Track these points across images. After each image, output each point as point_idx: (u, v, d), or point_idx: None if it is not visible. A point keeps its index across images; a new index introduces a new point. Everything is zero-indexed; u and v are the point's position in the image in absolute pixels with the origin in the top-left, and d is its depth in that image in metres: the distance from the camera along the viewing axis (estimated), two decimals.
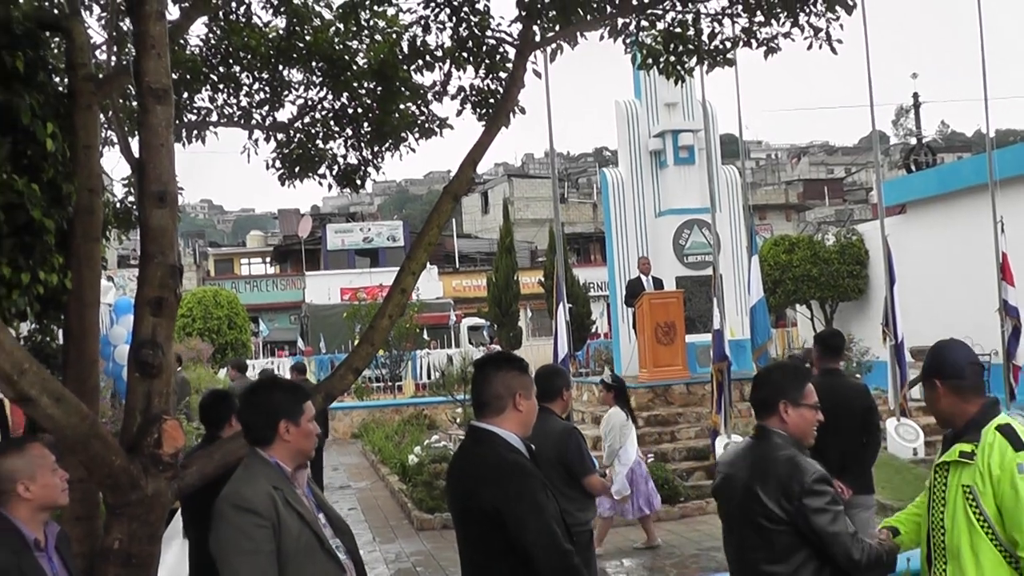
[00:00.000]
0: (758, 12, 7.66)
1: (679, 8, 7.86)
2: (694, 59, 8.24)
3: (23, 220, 5.35)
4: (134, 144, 9.13)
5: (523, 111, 7.30)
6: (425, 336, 32.19)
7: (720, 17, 7.89)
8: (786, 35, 7.83)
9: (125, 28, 8.80)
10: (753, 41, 7.90)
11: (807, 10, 7.54)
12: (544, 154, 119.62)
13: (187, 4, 8.09)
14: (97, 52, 7.66)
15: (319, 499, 4.04)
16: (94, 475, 4.67)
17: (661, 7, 7.79)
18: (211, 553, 3.74)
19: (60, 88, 6.42)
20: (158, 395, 4.86)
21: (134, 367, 4.90)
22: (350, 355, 6.05)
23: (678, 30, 8.00)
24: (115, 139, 8.22)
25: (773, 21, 7.70)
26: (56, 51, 7.40)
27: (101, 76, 6.72)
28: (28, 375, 4.19)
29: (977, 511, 3.97)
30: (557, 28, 7.66)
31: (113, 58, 8.16)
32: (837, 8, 7.42)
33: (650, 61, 8.31)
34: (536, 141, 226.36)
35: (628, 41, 8.22)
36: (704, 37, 8.03)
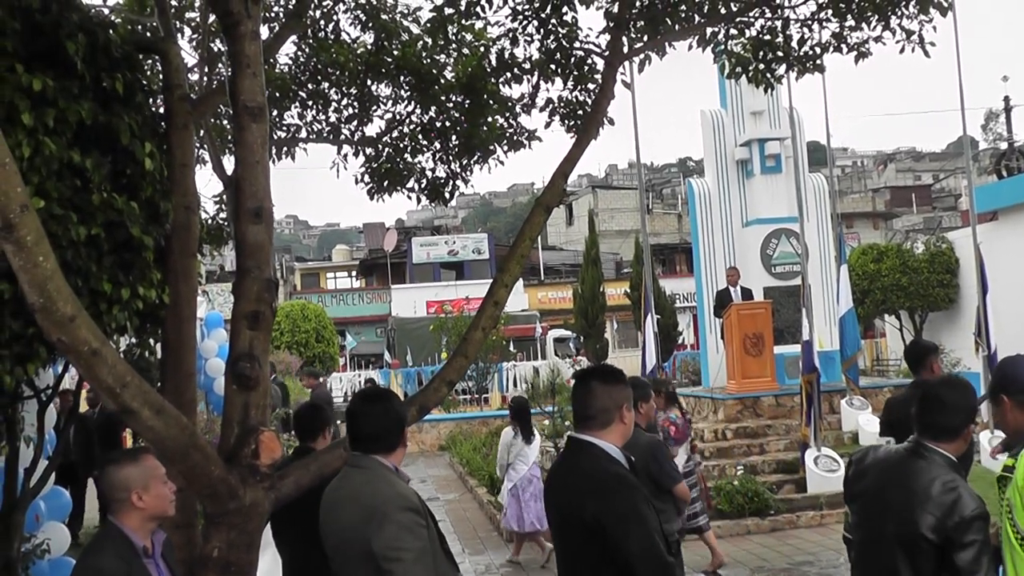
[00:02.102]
0: (849, 16, 7.55)
1: (768, 15, 7.78)
2: (783, 66, 8.15)
3: (123, 237, 5.49)
4: (226, 162, 9.35)
5: (611, 122, 7.28)
6: (511, 348, 32.23)
7: (810, 23, 7.79)
8: (877, 39, 7.70)
9: (215, 49, 8.99)
10: (844, 46, 7.79)
11: (899, 13, 7.41)
12: (628, 165, 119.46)
13: (279, 24, 8.23)
14: (188, 73, 7.83)
15: None
16: (193, 485, 4.75)
17: (750, 15, 7.72)
18: (376, 555, 3.73)
19: (155, 108, 6.58)
20: (255, 407, 4.94)
21: (232, 379, 4.98)
22: (443, 368, 6.08)
23: (767, 37, 7.93)
24: (207, 157, 8.39)
25: (864, 25, 7.59)
26: (150, 72, 7.58)
27: (195, 96, 6.86)
28: (130, 388, 4.28)
29: (1013, 526, 3.91)
30: (645, 39, 7.63)
31: (204, 78, 8.34)
32: (931, 10, 7.27)
33: (739, 70, 8.23)
34: (619, 152, 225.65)
35: (717, 50, 8.16)
36: (793, 44, 7.94)
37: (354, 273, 62.30)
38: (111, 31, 5.91)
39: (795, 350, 17.02)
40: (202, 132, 7.95)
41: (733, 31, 8.04)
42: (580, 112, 8.27)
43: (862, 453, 4.59)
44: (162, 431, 4.39)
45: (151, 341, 6.41)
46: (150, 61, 7.87)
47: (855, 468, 4.55)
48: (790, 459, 14.91)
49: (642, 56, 7.95)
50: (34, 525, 7.76)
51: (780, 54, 8.03)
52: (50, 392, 7.09)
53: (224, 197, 10.60)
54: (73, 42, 5.38)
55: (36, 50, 5.29)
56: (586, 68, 8.17)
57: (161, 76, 7.02)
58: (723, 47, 8.22)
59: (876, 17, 7.50)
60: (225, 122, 9.95)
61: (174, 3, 8.41)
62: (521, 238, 6.21)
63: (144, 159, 5.65)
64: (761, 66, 8.14)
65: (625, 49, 7.45)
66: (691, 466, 10.67)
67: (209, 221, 9.52)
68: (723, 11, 7.58)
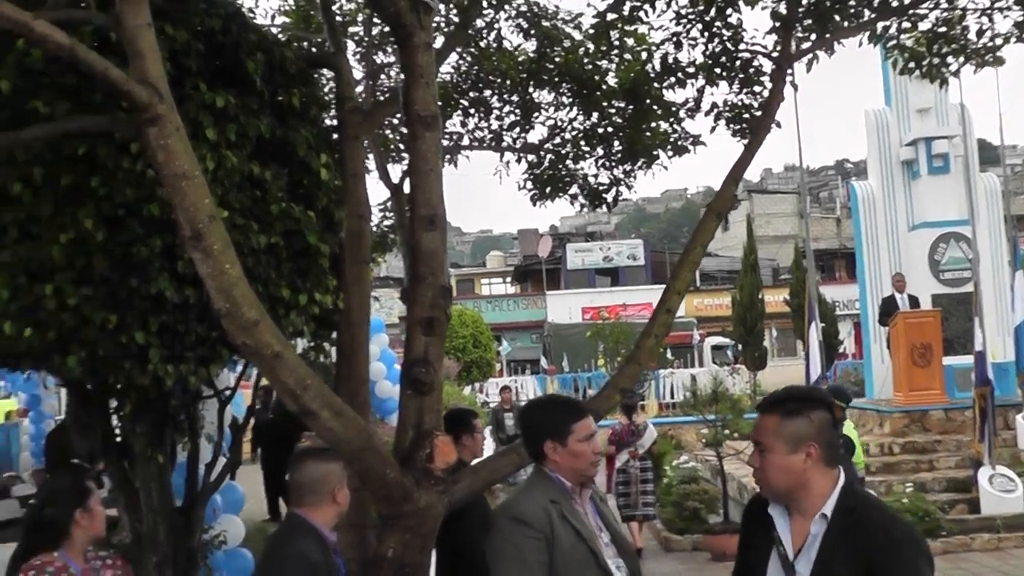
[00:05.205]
0: None
1: (943, 6, 7.48)
2: (959, 60, 7.84)
3: (300, 245, 5.69)
4: (391, 170, 9.55)
5: (779, 125, 7.12)
6: (669, 355, 31.97)
7: (989, 12, 7.46)
8: None
9: (379, 61, 9.21)
10: None
11: None
12: (784, 168, 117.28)
13: (444, 35, 8.38)
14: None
15: (605, 518, 4.04)
16: (368, 486, 4.86)
17: (924, 6, 7.45)
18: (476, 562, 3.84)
19: (326, 121, 6.79)
20: (430, 411, 5.02)
21: (407, 384, 5.07)
22: (616, 375, 6.07)
23: (942, 29, 7.64)
24: (371, 166, 8.59)
25: None
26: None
27: (365, 108, 7.04)
28: (311, 390, 4.41)
29: None
30: (813, 37, 7.46)
31: (368, 91, 8.55)
32: None
33: (911, 65, 7.96)
34: (774, 156, 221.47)
35: (889, 45, 7.89)
36: (971, 35, 7.63)
37: (508, 279, 62.78)
38: (286, 49, 6.13)
39: (966, 361, 16.38)
40: (366, 142, 8.16)
41: (906, 24, 7.74)
42: (746, 116, 8.14)
43: None
44: (340, 433, 4.51)
45: (325, 345, 6.61)
46: (318, 76, 8.11)
47: None
48: (962, 477, 14.26)
49: (810, 56, 7.76)
50: (212, 518, 8.11)
51: (956, 47, 7.72)
52: (229, 392, 7.37)
53: (389, 205, 10.86)
54: (252, 60, 5.61)
55: (218, 69, 5.55)
56: (751, 70, 8.03)
57: (331, 90, 7.24)
58: (895, 42, 7.94)
59: None
60: (388, 132, 10.19)
61: (338, 18, 8.65)
62: (693, 245, 6.15)
63: (319, 170, 5.85)
64: (936, 60, 7.85)
65: (792, 49, 7.28)
66: (627, 467, 13.04)
67: (375, 229, 9.76)
68: (895, 4, 7.32)
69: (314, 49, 8.24)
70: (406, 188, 7.80)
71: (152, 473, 6.55)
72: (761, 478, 3.23)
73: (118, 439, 6.79)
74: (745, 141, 7.39)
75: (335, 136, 6.60)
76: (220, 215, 4.36)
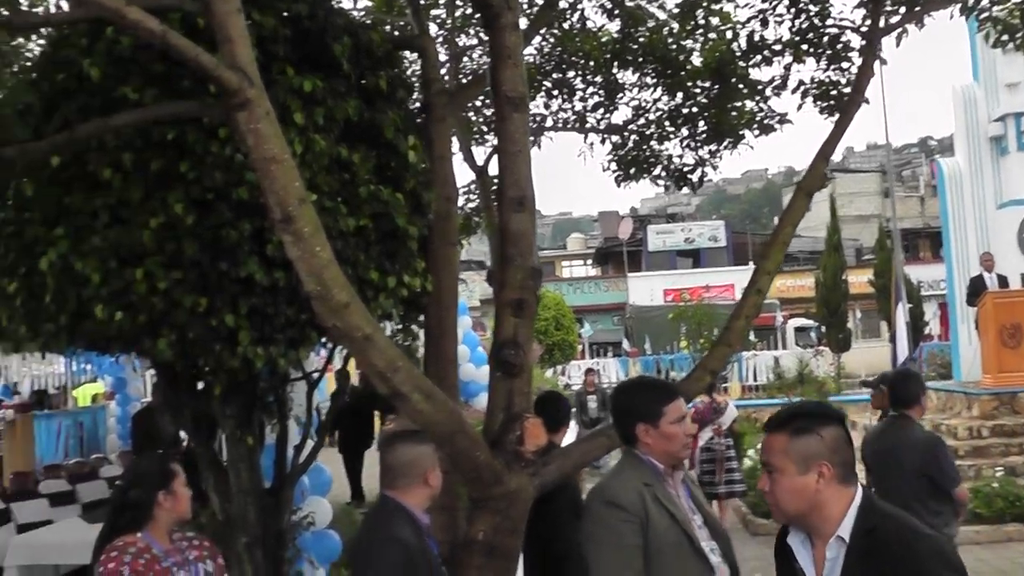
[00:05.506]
0: None
1: None
2: None
3: (388, 228, 5.69)
4: (475, 152, 9.53)
5: (867, 102, 6.96)
6: (752, 337, 31.58)
7: None
8: None
9: (461, 44, 9.20)
10: None
11: None
12: (866, 147, 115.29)
13: (527, 17, 8.34)
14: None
15: (697, 501, 4.00)
16: (459, 469, 4.86)
17: None
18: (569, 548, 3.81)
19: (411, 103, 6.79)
20: (519, 394, 5.01)
21: (496, 366, 5.07)
22: (706, 357, 6.02)
23: None
24: (455, 148, 8.59)
25: None
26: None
27: (450, 90, 7.03)
28: (401, 373, 4.42)
29: None
30: (902, 11, 7.26)
31: (451, 73, 8.54)
32: None
33: (1005, 38, 7.72)
34: (856, 134, 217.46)
35: (981, 17, 7.66)
36: None
37: (589, 261, 62.56)
38: (372, 32, 6.14)
39: None
40: None
41: None
42: (833, 92, 7.98)
43: None
44: (431, 416, 4.51)
45: (414, 328, 6.61)
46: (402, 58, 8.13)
47: None
48: None
49: (899, 30, 7.56)
50: (300, 499, 8.18)
51: None
52: (317, 375, 7.42)
53: (473, 187, 10.87)
54: (339, 44, 5.63)
55: (305, 54, 5.56)
56: (839, 46, 7.86)
57: (414, 73, 7.23)
58: (987, 14, 7.70)
59: None
60: (472, 114, 10.18)
61: (421, 0, 8.67)
62: (783, 224, 6.07)
63: (407, 152, 5.84)
64: None
65: (881, 23, 7.11)
66: (712, 445, 12.68)
67: (459, 211, 9.78)
68: None
69: (397, 32, 8.25)
70: (492, 170, 7.77)
71: (241, 454, 6.62)
72: (773, 502, 3.06)
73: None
74: (833, 118, 7.26)
75: (420, 118, 6.60)
76: (309, 198, 4.37)
